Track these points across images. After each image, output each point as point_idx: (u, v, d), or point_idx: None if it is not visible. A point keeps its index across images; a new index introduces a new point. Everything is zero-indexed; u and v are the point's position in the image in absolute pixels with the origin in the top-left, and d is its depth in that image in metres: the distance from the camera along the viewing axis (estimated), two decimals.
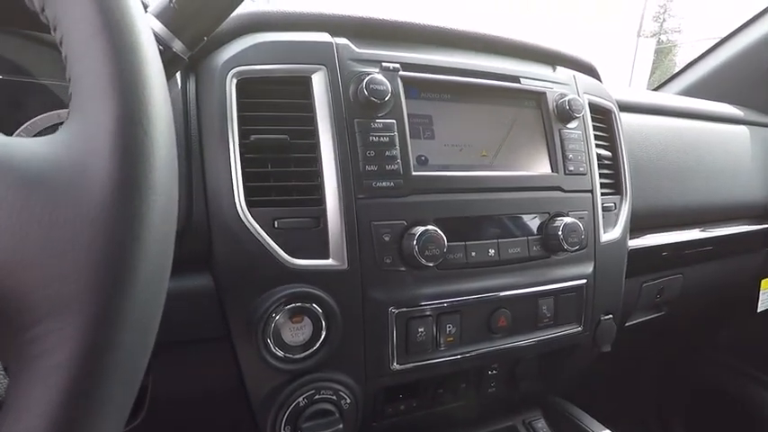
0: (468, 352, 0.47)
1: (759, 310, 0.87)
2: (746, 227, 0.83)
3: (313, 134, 0.41)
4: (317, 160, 0.41)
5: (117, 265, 0.15)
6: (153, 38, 0.19)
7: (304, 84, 0.42)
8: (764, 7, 1.00)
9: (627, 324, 0.70)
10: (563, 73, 0.57)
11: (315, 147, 0.41)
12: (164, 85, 0.18)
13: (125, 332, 0.15)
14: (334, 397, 0.41)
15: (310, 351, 0.40)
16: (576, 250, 0.51)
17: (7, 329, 0.15)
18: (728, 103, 0.95)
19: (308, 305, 0.39)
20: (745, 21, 1.04)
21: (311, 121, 0.41)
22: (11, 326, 0.15)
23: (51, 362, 0.14)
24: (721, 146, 0.83)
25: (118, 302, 0.15)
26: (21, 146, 0.16)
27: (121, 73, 0.16)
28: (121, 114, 0.16)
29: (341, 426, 0.41)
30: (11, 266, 0.15)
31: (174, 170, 0.18)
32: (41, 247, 0.15)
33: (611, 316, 0.57)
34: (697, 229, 0.77)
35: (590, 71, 0.62)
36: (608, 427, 0.58)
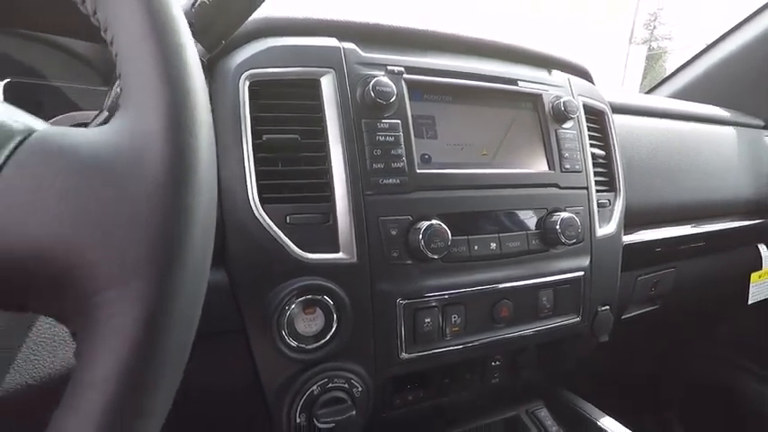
0: (472, 341, 0.49)
1: (750, 303, 0.90)
2: (736, 222, 0.86)
3: (322, 134, 0.43)
4: (326, 159, 0.43)
5: (171, 239, 0.17)
6: (192, 40, 0.21)
7: (314, 86, 0.44)
8: (750, 13, 1.04)
9: (623, 317, 0.72)
10: (558, 76, 0.59)
11: (324, 146, 0.43)
12: (202, 78, 0.20)
13: (178, 300, 0.17)
14: (347, 385, 0.43)
15: (323, 341, 0.42)
16: (573, 244, 0.53)
17: (75, 298, 0.17)
18: (717, 106, 0.98)
19: (319, 297, 0.41)
20: (731, 26, 1.08)
21: (320, 121, 0.44)
22: (79, 295, 0.17)
23: (116, 324, 0.16)
24: (710, 146, 0.86)
25: (173, 272, 0.17)
26: (82, 135, 0.18)
27: (169, 69, 0.18)
28: (171, 108, 0.18)
29: (354, 412, 0.42)
30: (79, 241, 0.17)
31: (213, 157, 0.20)
32: (106, 224, 0.17)
33: (607, 307, 0.59)
34: (689, 225, 0.79)
35: (584, 74, 0.65)
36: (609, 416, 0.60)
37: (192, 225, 0.18)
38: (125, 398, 0.16)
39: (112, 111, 0.36)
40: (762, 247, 0.91)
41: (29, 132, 0.18)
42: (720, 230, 0.83)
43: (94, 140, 0.18)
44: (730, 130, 0.92)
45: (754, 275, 0.90)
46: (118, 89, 0.20)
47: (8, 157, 0.17)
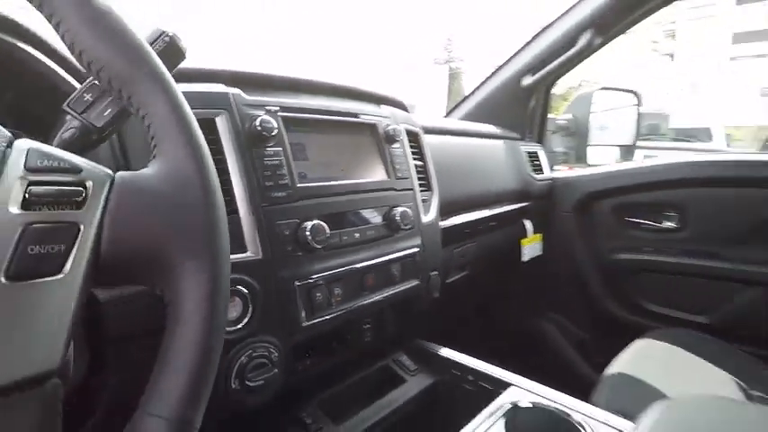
0: (350, 306, 0.66)
1: (524, 260, 1.29)
2: (510, 206, 1.23)
3: (223, 162, 0.56)
4: (229, 181, 0.56)
5: (212, 231, 0.30)
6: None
7: (211, 125, 0.56)
8: (515, 52, 1.43)
9: (447, 281, 0.99)
10: (386, 109, 0.82)
11: (226, 171, 0.56)
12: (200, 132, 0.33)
13: (222, 264, 0.30)
14: (267, 353, 0.56)
15: (244, 323, 0.54)
16: (409, 229, 0.75)
17: (166, 270, 0.28)
18: (491, 124, 1.36)
19: (235, 287, 0.54)
20: (498, 64, 1.47)
21: (220, 152, 0.56)
22: (168, 268, 0.28)
23: (194, 281, 0.28)
24: (489, 154, 1.21)
25: (218, 247, 0.30)
26: (146, 179, 0.29)
27: (188, 134, 0.31)
28: (195, 159, 0.31)
29: (276, 371, 0.56)
30: (167, 239, 0.28)
31: (218, 181, 0.33)
32: (178, 228, 0.29)
33: (436, 272, 0.83)
34: (482, 211, 1.11)
35: (402, 106, 0.89)
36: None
37: (220, 222, 0.31)
38: (206, 321, 0.28)
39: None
40: (526, 222, 1.31)
41: (111, 178, 0.28)
42: (501, 212, 1.18)
43: (156, 182, 0.29)
44: (500, 142, 1.29)
45: (523, 241, 1.29)
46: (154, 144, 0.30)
47: (108, 199, 0.28)
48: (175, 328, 0.28)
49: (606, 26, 1.20)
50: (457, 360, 0.80)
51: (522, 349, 1.43)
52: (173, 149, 0.30)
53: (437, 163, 0.94)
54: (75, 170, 0.27)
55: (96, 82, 0.39)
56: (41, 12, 0.30)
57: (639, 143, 1.78)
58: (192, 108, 0.56)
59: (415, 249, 0.78)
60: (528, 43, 1.36)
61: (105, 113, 0.41)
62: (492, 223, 1.15)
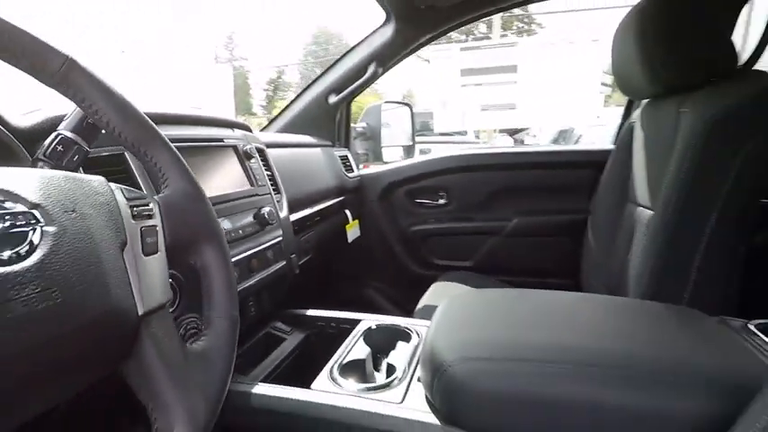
0: (244, 285, 0.87)
1: (349, 242, 1.65)
2: (334, 200, 1.56)
3: (139, 185, 0.70)
4: None
5: (215, 220, 0.51)
6: None
7: (122, 157, 0.70)
8: (320, 73, 1.73)
9: (300, 263, 1.25)
10: (238, 132, 1.03)
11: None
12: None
13: (224, 238, 0.51)
14: (197, 323, 0.73)
15: (177, 304, 0.71)
16: (274, 224, 0.99)
17: (196, 247, 0.48)
18: (308, 135, 1.66)
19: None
20: (311, 81, 1.76)
21: (135, 178, 0.70)
22: (196, 246, 0.48)
23: (214, 252, 0.49)
24: (312, 159, 1.51)
25: (220, 230, 0.51)
26: (170, 196, 0.48)
27: (184, 168, 0.51)
28: (190, 180, 0.51)
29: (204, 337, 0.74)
30: (195, 228, 0.48)
31: (203, 192, 0.53)
32: (195, 223, 0.49)
33: (294, 255, 1.09)
34: (316, 205, 1.41)
35: (248, 128, 1.11)
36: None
37: (214, 215, 0.52)
38: (227, 267, 0.50)
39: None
40: (347, 211, 1.66)
41: (152, 198, 0.47)
42: (329, 205, 1.50)
43: (175, 198, 0.49)
44: (319, 149, 1.60)
45: (347, 227, 1.64)
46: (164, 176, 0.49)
47: (161, 211, 0.46)
48: (210, 277, 0.49)
49: (385, 60, 1.63)
50: (320, 316, 1.08)
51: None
52: (177, 179, 0.50)
53: (279, 171, 1.19)
54: (145, 197, 0.45)
55: (68, 135, 0.54)
56: (74, 99, 0.46)
57: (417, 140, 2.34)
58: (112, 146, 0.69)
59: (280, 238, 1.02)
60: (331, 67, 1.70)
61: (74, 159, 0.55)
62: (323, 215, 1.45)
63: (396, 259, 1.84)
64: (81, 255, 0.35)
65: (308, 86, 1.74)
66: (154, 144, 0.49)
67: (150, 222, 0.44)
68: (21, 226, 0.33)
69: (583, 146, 4.67)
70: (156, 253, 0.44)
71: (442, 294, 1.35)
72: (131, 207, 0.43)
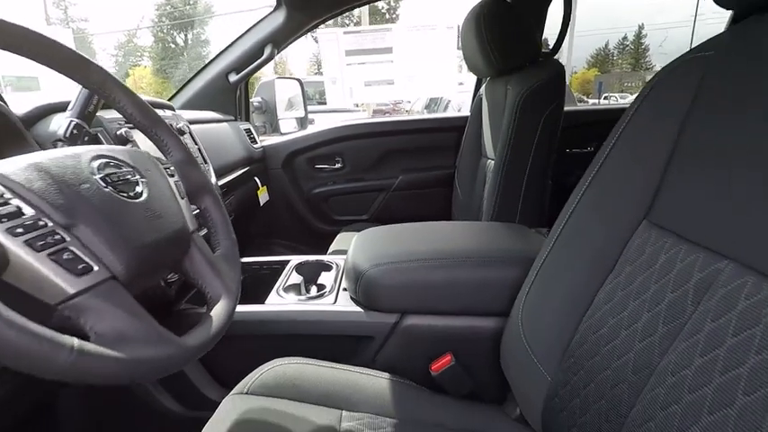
0: None
1: (261, 206, 1.86)
2: (245, 168, 1.74)
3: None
4: None
5: (206, 180, 0.73)
6: None
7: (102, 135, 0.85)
8: (220, 51, 1.84)
9: None
10: (168, 112, 1.19)
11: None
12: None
13: (215, 189, 0.74)
14: None
15: None
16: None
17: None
18: (212, 111, 1.80)
19: None
20: (211, 59, 1.86)
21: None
22: (193, 201, 0.70)
23: (209, 205, 0.71)
24: (225, 134, 1.67)
25: (216, 189, 0.74)
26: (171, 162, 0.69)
27: (184, 147, 0.72)
28: (186, 150, 0.72)
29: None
30: (194, 190, 0.70)
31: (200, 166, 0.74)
32: (192, 182, 0.71)
33: None
34: (232, 174, 1.59)
35: (172, 108, 1.26)
36: None
37: (204, 173, 0.74)
38: (225, 218, 0.73)
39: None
40: (256, 179, 1.86)
41: (171, 162, 0.67)
42: (241, 173, 1.68)
43: (179, 162, 0.70)
44: (226, 124, 1.76)
45: (258, 192, 1.85)
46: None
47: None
48: (212, 215, 0.72)
49: (279, 42, 1.82)
50: (252, 261, 1.32)
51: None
52: (177, 150, 0.71)
53: (203, 142, 1.36)
54: (167, 163, 0.67)
55: (78, 121, 0.71)
56: (102, 95, 0.64)
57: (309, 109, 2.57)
58: (98, 126, 0.83)
59: None
60: (229, 47, 1.83)
61: (85, 140, 0.73)
62: (238, 182, 1.65)
63: (302, 219, 2.11)
64: (163, 194, 0.58)
65: (205, 66, 1.86)
66: (160, 126, 0.70)
67: (176, 178, 0.66)
68: (128, 177, 0.54)
69: (448, 113, 5.41)
70: (184, 198, 0.66)
71: (347, 240, 1.66)
72: (165, 167, 0.65)
